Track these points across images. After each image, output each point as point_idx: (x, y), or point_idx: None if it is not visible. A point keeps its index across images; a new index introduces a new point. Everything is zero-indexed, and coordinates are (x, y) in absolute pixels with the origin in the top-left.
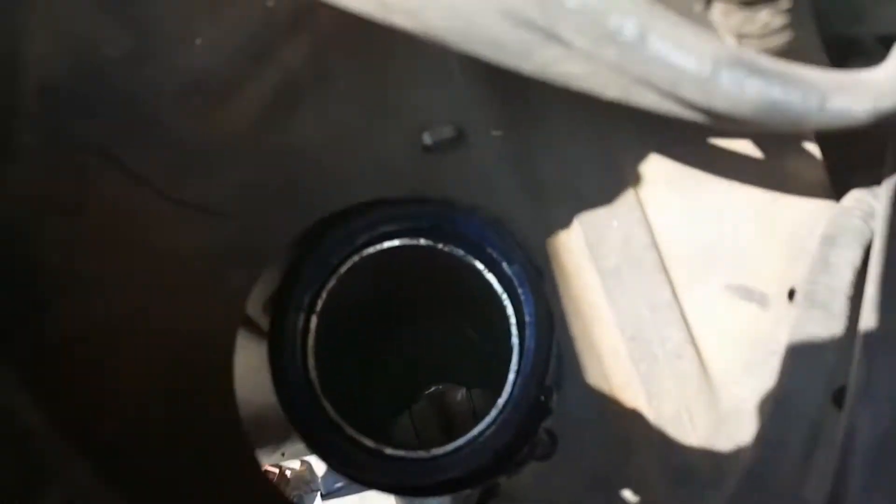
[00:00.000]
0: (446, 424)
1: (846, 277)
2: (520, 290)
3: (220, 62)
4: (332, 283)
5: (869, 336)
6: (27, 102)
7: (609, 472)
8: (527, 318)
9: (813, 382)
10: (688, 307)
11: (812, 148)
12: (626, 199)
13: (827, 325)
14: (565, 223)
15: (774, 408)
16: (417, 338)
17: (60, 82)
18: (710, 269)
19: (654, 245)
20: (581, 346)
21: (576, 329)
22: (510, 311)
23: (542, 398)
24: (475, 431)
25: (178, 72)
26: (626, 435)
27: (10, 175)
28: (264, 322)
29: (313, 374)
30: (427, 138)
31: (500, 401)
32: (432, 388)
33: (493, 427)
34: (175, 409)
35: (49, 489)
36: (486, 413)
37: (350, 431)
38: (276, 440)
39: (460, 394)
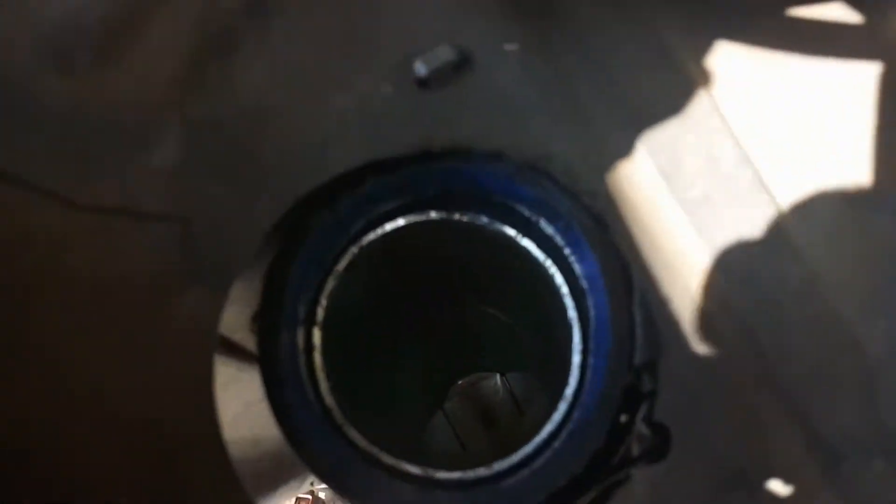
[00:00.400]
0: (486, 418)
1: None
2: (568, 252)
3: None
4: (331, 285)
5: None
6: None
7: (743, 461)
8: (584, 285)
9: None
10: (803, 229)
11: None
12: (699, 105)
13: None
14: (625, 151)
15: None
16: (442, 330)
17: None
18: (821, 176)
19: (747, 158)
20: (678, 304)
21: (666, 283)
22: (559, 279)
23: (633, 381)
24: (545, 433)
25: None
26: (756, 411)
27: None
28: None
29: (330, 399)
30: (420, 68)
31: (568, 391)
32: (461, 382)
33: (570, 425)
34: (161, 482)
35: None
36: (531, 398)
37: (388, 460)
38: (293, 478)
39: (494, 382)
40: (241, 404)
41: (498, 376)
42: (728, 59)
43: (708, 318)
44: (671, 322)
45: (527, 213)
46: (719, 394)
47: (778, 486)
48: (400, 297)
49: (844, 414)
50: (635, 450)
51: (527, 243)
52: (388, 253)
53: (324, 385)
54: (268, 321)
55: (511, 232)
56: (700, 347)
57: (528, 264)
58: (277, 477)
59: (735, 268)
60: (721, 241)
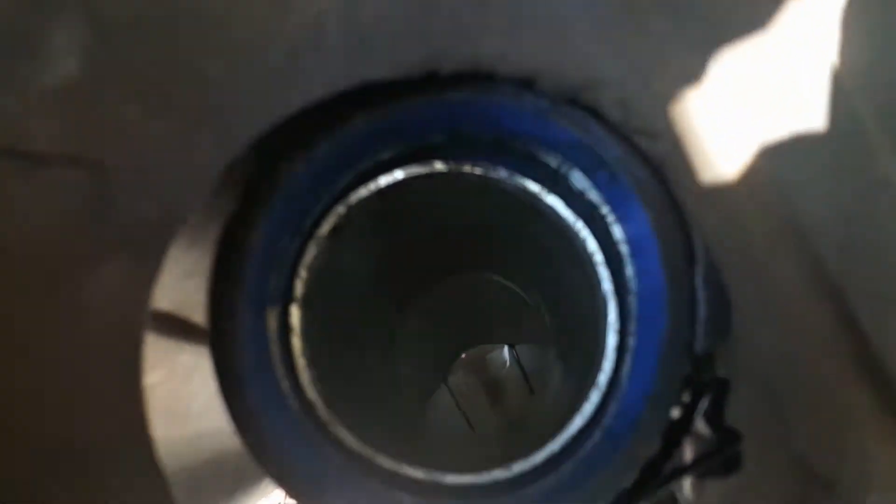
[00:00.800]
0: (494, 393)
1: None
2: (606, 210)
3: None
4: (311, 253)
5: None
6: None
7: (836, 470)
8: (624, 251)
9: None
10: None
11: None
12: (793, 19)
13: None
14: (695, 73)
15: None
16: (439, 298)
17: None
18: None
19: (864, 86)
20: (758, 278)
21: (741, 251)
22: (592, 244)
23: (691, 371)
24: (573, 428)
25: None
26: (852, 407)
27: None
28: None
29: (312, 391)
30: None
31: (601, 378)
32: (465, 355)
33: (606, 420)
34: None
35: None
36: (543, 375)
37: (386, 463)
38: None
39: (502, 353)
40: (180, 405)
41: (506, 348)
42: None
43: (791, 294)
44: (744, 301)
45: (555, 162)
46: (807, 388)
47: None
48: (398, 267)
49: None
50: (687, 456)
51: (553, 201)
52: (383, 214)
53: (305, 375)
54: (225, 297)
55: (534, 187)
56: (782, 328)
57: (553, 227)
58: (225, 490)
59: (832, 225)
60: (819, 191)
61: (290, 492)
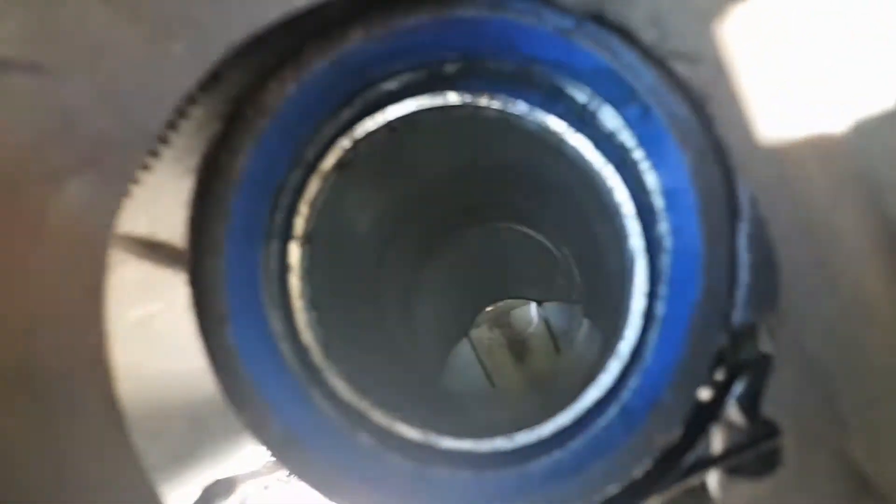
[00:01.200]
0: (517, 350)
1: None
2: (639, 155)
3: None
4: (314, 188)
5: None
6: None
7: (893, 481)
8: (659, 202)
9: None
10: None
11: None
12: None
13: None
14: None
15: None
16: (463, 249)
17: None
18: None
19: None
20: (817, 238)
21: (794, 207)
22: (620, 194)
23: (727, 346)
24: (587, 400)
25: None
26: None
27: None
28: None
29: (309, 335)
30: None
31: (623, 347)
32: (490, 308)
33: (624, 395)
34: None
35: None
36: (571, 335)
37: (380, 419)
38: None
39: (529, 310)
40: (147, 344)
41: (533, 305)
42: None
43: (862, 263)
44: (797, 266)
45: (582, 97)
46: (868, 380)
47: None
48: (412, 208)
49: None
50: (716, 448)
51: (579, 141)
52: (395, 152)
53: (302, 318)
54: (206, 229)
55: (558, 125)
56: (845, 306)
57: (578, 171)
58: (195, 444)
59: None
60: (885, 141)
61: (267, 445)
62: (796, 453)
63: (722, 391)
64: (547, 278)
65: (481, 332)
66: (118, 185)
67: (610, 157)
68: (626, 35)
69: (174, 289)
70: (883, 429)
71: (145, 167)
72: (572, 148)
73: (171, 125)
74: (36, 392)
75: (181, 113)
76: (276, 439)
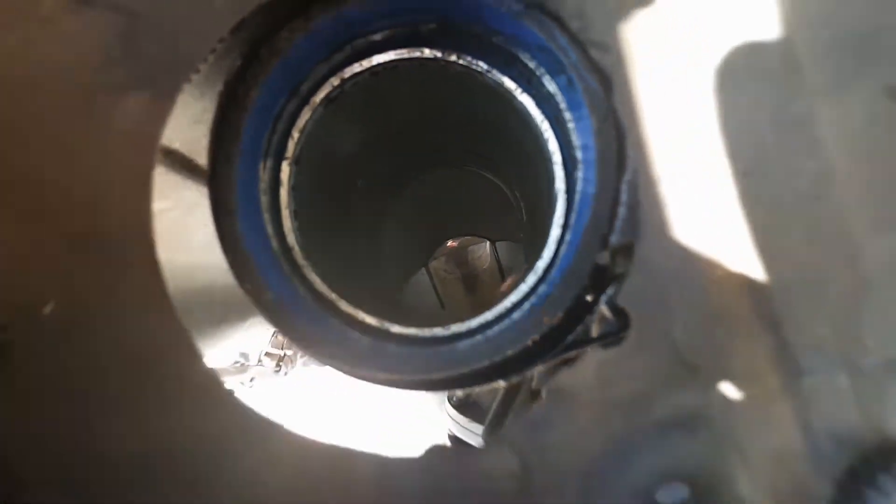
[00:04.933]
0: (469, 282)
1: None
2: (568, 115)
3: None
4: (305, 117)
5: None
6: None
7: (702, 358)
8: (579, 155)
9: None
10: (830, 125)
11: None
12: None
13: None
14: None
15: None
16: (431, 187)
17: None
18: (865, 69)
19: (790, 37)
20: (669, 188)
21: (661, 163)
22: (552, 145)
23: (604, 262)
24: (507, 303)
25: None
26: (728, 309)
27: None
28: None
29: (292, 238)
30: None
31: (540, 264)
32: (450, 243)
33: (533, 298)
34: (71, 297)
35: None
36: (516, 271)
37: (346, 308)
38: (234, 314)
39: (483, 248)
40: (183, 234)
41: (487, 243)
42: None
43: (698, 207)
44: (657, 206)
45: (531, 63)
46: (692, 288)
47: (732, 391)
48: (388, 145)
49: (821, 326)
50: (595, 331)
51: (526, 100)
52: (376, 93)
53: (288, 223)
54: (223, 145)
55: (510, 84)
56: (682, 235)
57: (525, 125)
58: (214, 309)
59: (745, 155)
60: (737, 122)
61: (262, 309)
62: (636, 332)
63: (598, 293)
64: (501, 219)
65: (438, 264)
66: (165, 102)
67: (547, 115)
68: (560, 23)
69: (182, 191)
70: (699, 322)
71: (182, 89)
72: (521, 104)
73: (205, 59)
74: (98, 253)
75: (213, 50)
76: (269, 306)
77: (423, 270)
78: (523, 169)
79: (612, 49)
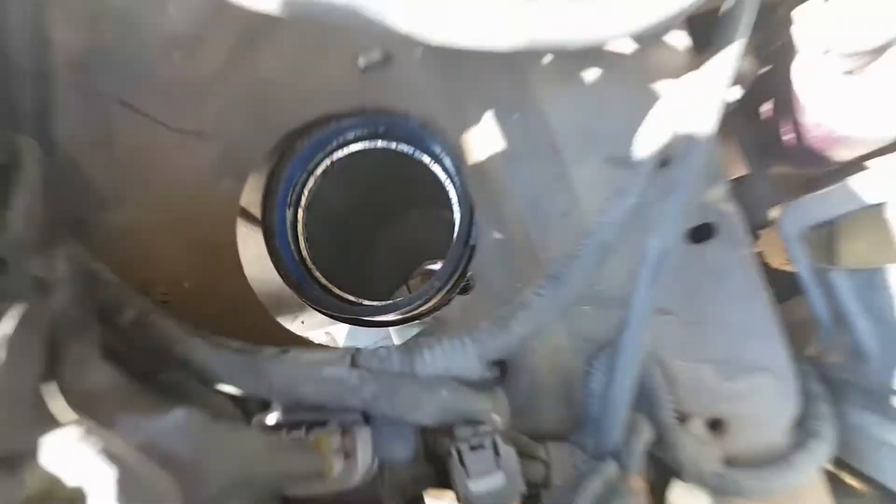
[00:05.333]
0: None
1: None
2: (456, 178)
3: (188, 22)
4: (311, 182)
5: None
6: (59, 72)
7: (511, 296)
8: (458, 199)
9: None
10: (574, 178)
11: (675, 41)
12: (526, 96)
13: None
14: (477, 120)
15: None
16: (401, 226)
17: (81, 56)
18: (592, 147)
19: (548, 131)
20: (490, 214)
21: (486, 202)
22: (453, 193)
23: (468, 251)
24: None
25: (160, 33)
26: (525, 272)
27: (55, 124)
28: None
29: (305, 253)
30: (361, 61)
31: (450, 253)
32: (424, 266)
33: (443, 267)
34: (199, 278)
35: (125, 310)
36: None
37: (336, 291)
38: (292, 311)
39: None
40: (254, 259)
41: None
42: (552, 72)
43: (505, 223)
44: (486, 218)
45: (436, 150)
46: (504, 262)
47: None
48: (366, 198)
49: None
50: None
51: (436, 168)
52: (353, 167)
53: (302, 244)
54: (269, 200)
55: (427, 159)
56: (499, 236)
57: (438, 181)
58: (282, 302)
59: (526, 195)
60: (522, 180)
61: (290, 287)
62: (481, 280)
63: (466, 265)
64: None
65: (416, 282)
66: (241, 183)
67: (448, 175)
68: (439, 133)
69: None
70: (509, 276)
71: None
72: (433, 171)
73: (267, 156)
74: (211, 257)
75: (264, 154)
76: (293, 284)
77: (405, 287)
78: (441, 208)
79: (460, 145)
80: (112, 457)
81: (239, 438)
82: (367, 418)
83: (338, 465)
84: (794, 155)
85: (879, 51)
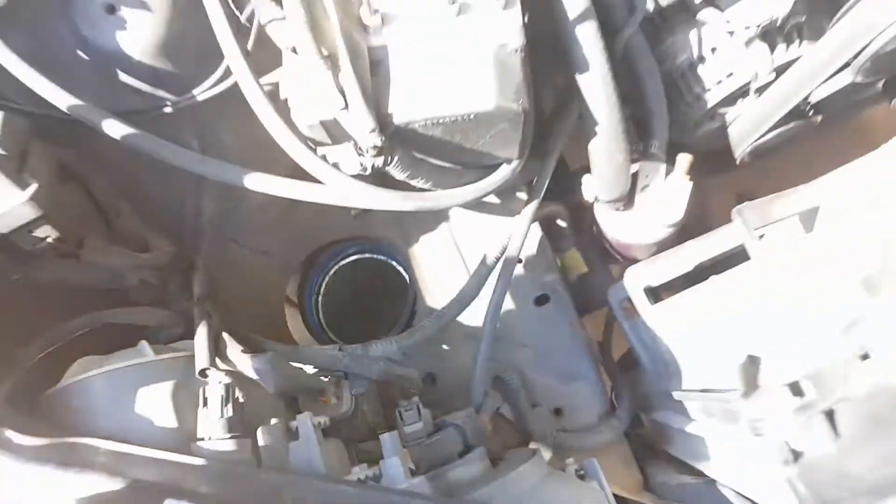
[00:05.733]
0: None
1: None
2: (407, 275)
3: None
4: (327, 279)
5: None
6: (207, 224)
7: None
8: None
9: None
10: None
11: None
12: (441, 218)
13: None
14: (416, 240)
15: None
16: (380, 302)
17: (219, 217)
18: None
19: (455, 244)
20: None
21: (428, 286)
22: (409, 282)
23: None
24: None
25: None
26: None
27: (202, 251)
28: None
29: (323, 321)
30: (353, 211)
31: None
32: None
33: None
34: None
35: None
36: None
37: (341, 345)
38: None
39: None
40: (295, 326)
41: None
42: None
43: (432, 287)
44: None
45: (399, 259)
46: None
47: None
48: (362, 288)
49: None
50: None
51: (401, 269)
52: (354, 269)
53: (322, 317)
54: (303, 292)
55: (395, 264)
56: (429, 299)
57: (402, 278)
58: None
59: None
60: (438, 266)
61: (313, 336)
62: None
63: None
64: None
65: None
66: (285, 281)
67: (407, 273)
68: (398, 249)
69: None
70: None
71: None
72: (399, 271)
73: (301, 265)
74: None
75: (296, 266)
76: (312, 333)
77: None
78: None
79: (414, 261)
80: None
81: (291, 369)
82: (346, 375)
83: (333, 399)
84: (615, 256)
85: (621, 199)
